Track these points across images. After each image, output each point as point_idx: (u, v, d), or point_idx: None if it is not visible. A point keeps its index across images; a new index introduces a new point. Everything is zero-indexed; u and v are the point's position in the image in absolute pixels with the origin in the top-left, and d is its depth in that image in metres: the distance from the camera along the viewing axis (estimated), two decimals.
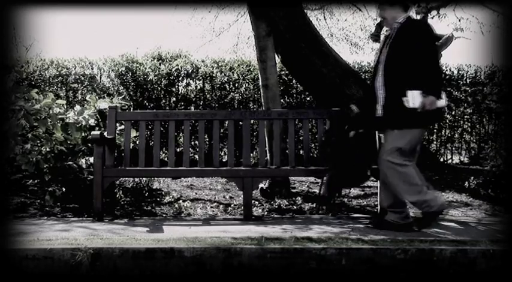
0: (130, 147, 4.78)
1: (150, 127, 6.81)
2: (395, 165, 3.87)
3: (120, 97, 5.95)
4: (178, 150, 6.95)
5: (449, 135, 8.62)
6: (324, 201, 4.96)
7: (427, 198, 3.90)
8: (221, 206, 5.11)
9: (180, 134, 7.50)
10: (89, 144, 5.02)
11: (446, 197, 5.52)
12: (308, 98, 8.34)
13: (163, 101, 8.19)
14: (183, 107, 8.15)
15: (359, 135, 4.21)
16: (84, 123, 4.95)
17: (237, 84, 8.25)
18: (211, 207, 5.07)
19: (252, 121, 6.20)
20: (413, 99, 3.79)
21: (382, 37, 4.45)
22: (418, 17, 8.66)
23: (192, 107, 8.23)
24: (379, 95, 4.00)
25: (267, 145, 5.41)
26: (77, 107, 5.14)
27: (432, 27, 3.96)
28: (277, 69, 6.12)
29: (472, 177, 5.78)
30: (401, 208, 4.04)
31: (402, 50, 3.87)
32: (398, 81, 3.86)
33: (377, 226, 4.04)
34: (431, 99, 3.75)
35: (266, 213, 4.87)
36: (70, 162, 4.99)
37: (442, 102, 3.88)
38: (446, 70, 8.53)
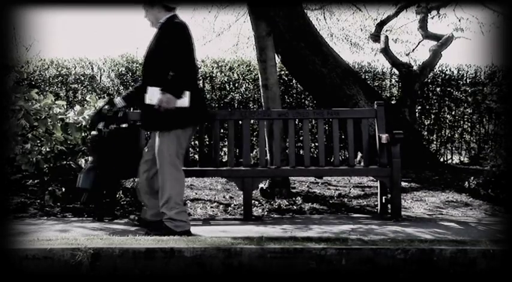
0: None
1: None
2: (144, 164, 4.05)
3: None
4: None
5: (449, 135, 8.61)
6: (89, 197, 4.47)
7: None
8: (221, 206, 5.11)
9: None
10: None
11: (446, 197, 5.52)
12: (308, 98, 8.34)
13: None
14: None
15: (122, 129, 4.20)
16: (84, 123, 4.94)
17: (237, 84, 8.24)
18: (211, 207, 5.07)
19: (252, 121, 6.20)
20: (152, 95, 3.83)
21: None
22: (418, 17, 8.67)
23: None
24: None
25: (267, 145, 5.41)
26: (77, 107, 5.14)
27: (187, 28, 3.90)
28: (277, 69, 6.11)
29: (472, 177, 5.77)
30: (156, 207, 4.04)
31: (155, 49, 3.93)
32: (149, 79, 3.93)
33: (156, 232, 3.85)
34: (168, 96, 3.73)
35: (266, 213, 4.86)
36: (70, 162, 4.99)
37: (185, 101, 3.81)
38: (447, 70, 8.53)
